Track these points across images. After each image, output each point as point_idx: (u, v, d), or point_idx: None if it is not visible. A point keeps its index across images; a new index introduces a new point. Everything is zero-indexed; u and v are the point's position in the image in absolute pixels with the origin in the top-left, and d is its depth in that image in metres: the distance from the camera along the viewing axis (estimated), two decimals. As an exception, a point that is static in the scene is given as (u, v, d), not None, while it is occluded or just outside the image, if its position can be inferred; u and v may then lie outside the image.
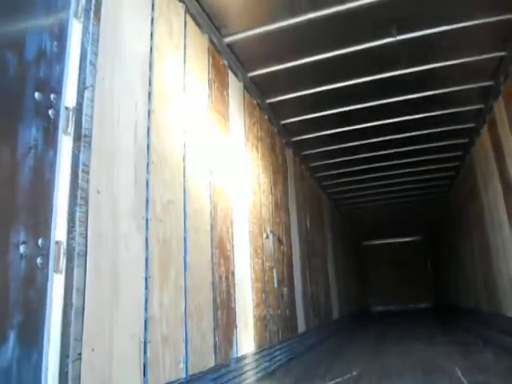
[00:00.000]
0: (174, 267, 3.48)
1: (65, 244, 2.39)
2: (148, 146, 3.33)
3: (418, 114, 7.50)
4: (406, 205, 14.46)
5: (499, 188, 7.58)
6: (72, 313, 2.39)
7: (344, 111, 7.11)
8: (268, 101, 6.52)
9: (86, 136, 2.62)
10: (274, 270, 6.22)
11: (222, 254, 4.43)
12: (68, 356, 2.33)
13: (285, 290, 6.66)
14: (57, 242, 2.35)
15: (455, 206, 12.78)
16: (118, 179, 2.91)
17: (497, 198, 7.84)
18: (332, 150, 8.71)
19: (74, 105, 2.56)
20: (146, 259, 3.12)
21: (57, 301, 2.32)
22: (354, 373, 5.26)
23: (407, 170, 10.60)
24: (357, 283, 18.17)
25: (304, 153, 8.73)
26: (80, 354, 2.41)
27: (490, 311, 9.54)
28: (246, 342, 4.87)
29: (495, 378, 4.37)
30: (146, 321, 3.03)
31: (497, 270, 8.75)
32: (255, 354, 5.08)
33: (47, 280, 2.22)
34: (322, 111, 7.14)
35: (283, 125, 7.37)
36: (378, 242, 22.18)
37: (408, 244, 21.75)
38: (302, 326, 7.45)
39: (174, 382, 3.29)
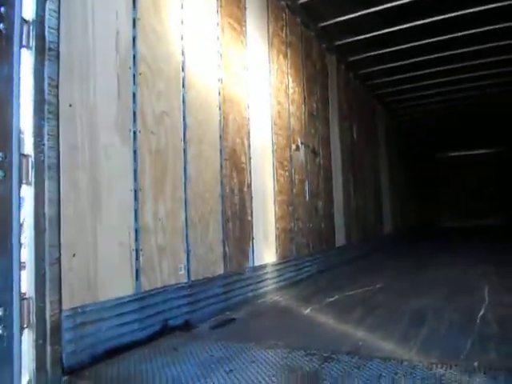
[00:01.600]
0: (171, 179, 3.50)
1: (33, 157, 2.45)
2: (134, 56, 3.20)
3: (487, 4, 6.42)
4: (483, 109, 13.09)
5: None
6: (46, 221, 2.51)
7: (398, 5, 6.24)
8: (300, 0, 5.95)
9: (51, 49, 2.56)
10: (306, 183, 6.09)
11: (234, 166, 4.37)
12: (44, 260, 2.49)
13: (320, 203, 6.57)
14: (24, 156, 2.41)
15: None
16: (95, 92, 2.86)
17: None
18: (385, 53, 7.93)
19: (34, 17, 2.48)
20: (135, 171, 3.14)
21: (27, 210, 2.44)
22: (378, 286, 5.24)
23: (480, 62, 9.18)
24: (421, 198, 17.55)
25: (351, 59, 8.07)
26: (58, 259, 2.56)
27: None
28: (266, 253, 4.95)
29: (519, 299, 4.12)
30: (136, 230, 3.13)
31: None
32: (277, 264, 5.18)
33: (11, 192, 2.31)
34: (370, 7, 6.34)
35: (322, 27, 6.75)
36: (450, 154, 20.87)
37: (483, 156, 20.21)
38: (340, 240, 7.42)
39: (173, 285, 3.46)
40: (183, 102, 3.68)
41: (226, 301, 4.13)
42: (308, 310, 4.07)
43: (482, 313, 3.61)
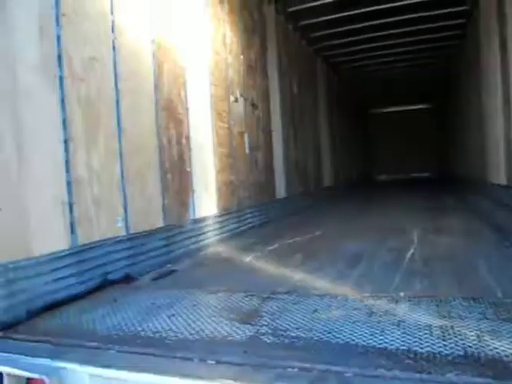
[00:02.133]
0: (104, 129, 3.36)
1: None
2: (57, -5, 2.96)
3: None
4: (413, 70, 13.63)
5: (497, 51, 6.96)
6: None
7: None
8: None
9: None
10: (246, 136, 6.08)
11: (171, 117, 4.26)
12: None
13: (260, 156, 6.60)
14: None
15: (459, 73, 12.03)
16: (13, 33, 2.63)
17: (495, 59, 7.25)
18: (325, 3, 7.87)
19: None
20: (64, 120, 2.98)
21: None
22: (317, 233, 5.44)
23: (411, 34, 9.76)
24: (359, 151, 18.14)
25: (290, 9, 7.96)
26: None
27: (480, 178, 9.52)
28: (207, 205, 4.95)
29: (443, 239, 4.44)
30: (69, 183, 3.01)
31: (488, 138, 8.49)
32: (219, 216, 5.21)
33: None
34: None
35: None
36: (385, 110, 21.55)
37: (416, 112, 21.08)
38: (281, 192, 7.56)
39: (112, 238, 3.40)
40: (114, 48, 3.48)
41: (168, 253, 4.13)
42: (249, 258, 4.16)
43: (410, 252, 3.87)
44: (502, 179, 7.19)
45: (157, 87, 4.03)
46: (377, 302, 2.43)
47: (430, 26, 9.35)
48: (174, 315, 2.48)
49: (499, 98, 6.98)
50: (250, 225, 6.10)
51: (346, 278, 3.12)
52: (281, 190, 7.54)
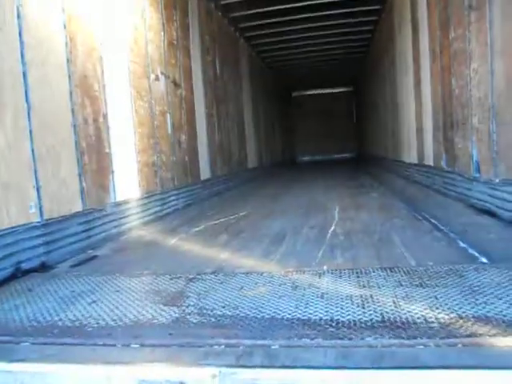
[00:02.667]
0: (11, 106, 3.07)
1: None
2: None
3: None
4: (333, 54, 14.02)
5: (410, 33, 7.35)
6: None
7: None
8: None
9: None
10: (168, 115, 5.91)
11: (86, 94, 4.00)
12: None
13: (183, 136, 6.46)
14: None
15: (375, 57, 12.58)
16: None
17: (407, 44, 7.65)
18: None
19: None
20: (-40, 95, 2.67)
21: None
22: (242, 214, 5.47)
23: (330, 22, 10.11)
24: (283, 133, 18.45)
25: (211, -14, 7.78)
26: None
27: (393, 158, 10.10)
28: (129, 187, 4.76)
29: (362, 214, 4.67)
30: (-30, 165, 2.72)
31: (401, 119, 9.00)
32: (141, 199, 5.04)
33: None
34: None
35: None
36: (307, 93, 22.10)
37: (336, 95, 21.86)
38: (206, 174, 7.48)
39: (24, 225, 3.15)
40: (18, 15, 3.17)
41: (87, 239, 3.92)
42: (174, 241, 4.08)
43: (332, 228, 4.01)
44: (413, 158, 7.68)
45: (70, 61, 3.75)
46: (301, 276, 2.49)
47: (349, 10, 9.71)
48: (94, 302, 2.36)
49: (411, 79, 7.40)
50: (174, 207, 5.98)
51: (270, 255, 3.17)
52: (205, 172, 7.46)
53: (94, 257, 3.61)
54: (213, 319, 1.97)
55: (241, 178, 9.95)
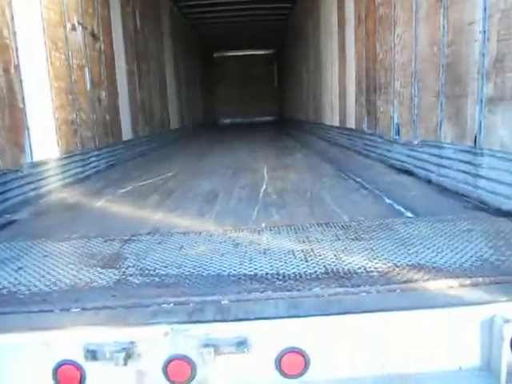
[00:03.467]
0: None
1: None
2: None
3: None
4: (255, 14, 13.81)
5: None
6: None
7: None
8: None
9: None
10: (86, 70, 5.49)
11: (-6, 41, 3.58)
12: None
13: (103, 93, 6.07)
14: None
15: (298, 20, 12.60)
16: None
17: (332, 8, 7.73)
18: None
19: None
20: None
21: None
22: (170, 174, 5.34)
23: None
24: (204, 95, 18.09)
25: None
26: None
27: (315, 121, 10.36)
28: (46, 146, 4.41)
29: (291, 174, 4.78)
30: None
31: (323, 83, 9.20)
32: (61, 159, 4.71)
33: None
34: None
35: None
36: (228, 54, 21.72)
37: (258, 57, 21.75)
38: (128, 134, 7.16)
39: None
40: None
41: (3, 202, 3.61)
42: (100, 203, 3.89)
43: (263, 188, 4.06)
44: (335, 121, 7.94)
45: (-28, 2, 3.31)
46: (240, 234, 2.50)
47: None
48: (21, 268, 2.18)
49: (335, 44, 7.53)
50: (96, 168, 5.68)
51: (206, 215, 3.14)
52: (127, 132, 7.13)
53: (13, 221, 3.34)
54: (157, 279, 1.92)
55: (164, 139, 9.67)
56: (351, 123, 6.73)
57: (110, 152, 6.20)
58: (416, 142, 4.08)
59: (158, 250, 2.32)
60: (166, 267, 2.06)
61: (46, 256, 2.38)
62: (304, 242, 2.26)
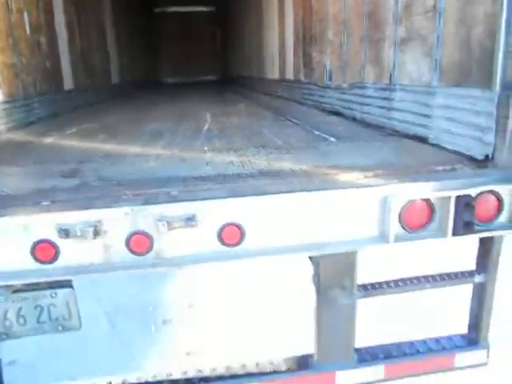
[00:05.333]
0: None
1: None
2: None
3: None
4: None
5: None
6: None
7: None
8: None
9: None
10: (25, 14, 5.41)
11: None
12: None
13: (42, 39, 6.00)
14: None
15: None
16: None
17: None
18: None
19: None
20: None
21: None
22: (113, 121, 5.48)
23: None
24: (145, 52, 17.67)
25: None
26: None
27: (258, 76, 10.62)
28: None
29: (232, 118, 5.10)
30: None
31: (265, 38, 9.44)
32: (3, 103, 4.72)
33: None
34: None
35: None
36: (170, 10, 21.13)
37: (202, 15, 21.33)
38: (69, 83, 7.11)
39: None
40: None
41: None
42: (51, 139, 4.03)
43: (206, 127, 4.36)
44: (276, 75, 8.28)
45: None
46: (186, 153, 2.83)
47: None
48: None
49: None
50: (39, 115, 5.68)
51: (153, 145, 3.40)
52: (68, 81, 7.08)
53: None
54: (115, 181, 2.22)
55: (106, 93, 9.58)
56: (290, 75, 7.10)
57: (52, 100, 6.18)
58: (345, 86, 4.52)
59: (113, 167, 2.61)
60: (121, 175, 2.35)
61: (8, 175, 2.59)
62: (242, 155, 2.63)
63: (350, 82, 4.41)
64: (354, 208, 1.97)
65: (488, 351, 2.42)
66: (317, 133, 3.54)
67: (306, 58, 6.03)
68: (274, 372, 2.19)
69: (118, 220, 1.82)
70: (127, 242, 1.84)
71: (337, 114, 4.66)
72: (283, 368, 2.24)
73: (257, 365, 2.23)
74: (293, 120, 4.51)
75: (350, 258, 2.12)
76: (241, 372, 2.19)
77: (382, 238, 2.01)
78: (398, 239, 2.00)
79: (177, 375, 2.15)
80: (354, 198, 1.97)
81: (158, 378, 2.14)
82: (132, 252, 1.85)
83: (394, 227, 1.97)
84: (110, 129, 4.70)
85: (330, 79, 4.99)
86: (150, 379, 2.11)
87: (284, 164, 2.38)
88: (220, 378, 2.13)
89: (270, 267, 4.09)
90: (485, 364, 2.40)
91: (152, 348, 3.93)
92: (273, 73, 8.57)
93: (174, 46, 21.11)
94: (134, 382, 2.11)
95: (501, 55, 2.20)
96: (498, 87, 2.22)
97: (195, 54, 21.17)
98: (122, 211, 1.82)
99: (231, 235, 1.89)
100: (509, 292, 3.15)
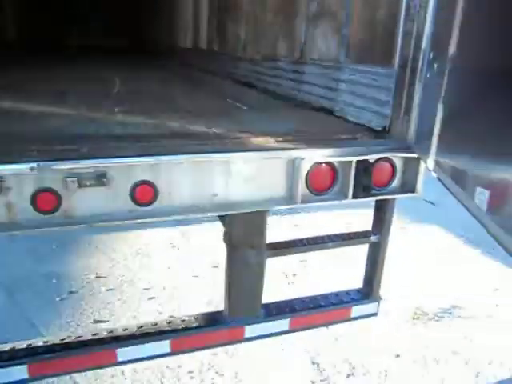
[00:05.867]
0: None
1: None
2: None
3: None
4: None
5: None
6: None
7: None
8: None
9: None
10: None
11: None
12: None
13: None
14: None
15: None
16: None
17: None
18: None
19: None
20: None
21: None
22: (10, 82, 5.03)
23: None
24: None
25: None
26: None
27: (170, 44, 10.29)
28: None
29: (143, 83, 4.96)
30: None
31: (180, 7, 9.14)
32: None
33: None
34: None
35: None
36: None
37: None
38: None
39: None
40: None
41: None
42: None
43: (115, 90, 4.19)
44: (188, 44, 8.10)
45: None
46: (95, 114, 2.72)
47: None
48: None
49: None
50: None
51: (58, 104, 3.19)
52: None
53: None
54: (16, 137, 2.08)
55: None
56: (203, 44, 6.99)
57: None
58: (258, 58, 4.59)
59: (14, 124, 2.44)
60: (24, 131, 2.21)
61: None
62: (154, 119, 2.60)
63: (263, 54, 4.49)
64: (264, 170, 2.07)
65: (379, 304, 2.71)
66: (230, 101, 3.60)
67: (221, 28, 5.99)
68: (186, 328, 2.26)
69: (23, 176, 1.74)
70: (33, 200, 1.76)
71: (249, 85, 4.73)
72: (194, 325, 2.31)
73: (168, 323, 2.28)
74: (206, 89, 4.51)
75: (260, 218, 2.23)
76: (153, 331, 2.22)
77: (290, 199, 2.14)
78: (304, 200, 2.14)
79: (87, 336, 2.12)
80: (265, 161, 2.07)
81: (67, 341, 2.10)
82: (38, 210, 1.78)
83: (301, 189, 2.11)
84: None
85: (244, 50, 5.04)
86: (58, 341, 2.07)
87: (197, 127, 2.40)
88: (132, 336, 2.15)
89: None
90: (375, 314, 2.69)
91: (57, 318, 3.80)
92: (185, 42, 8.38)
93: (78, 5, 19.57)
94: (41, 344, 2.05)
95: (400, 36, 2.40)
96: (396, 65, 2.43)
97: (104, 17, 19.81)
98: (27, 167, 1.73)
99: (144, 194, 1.89)
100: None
